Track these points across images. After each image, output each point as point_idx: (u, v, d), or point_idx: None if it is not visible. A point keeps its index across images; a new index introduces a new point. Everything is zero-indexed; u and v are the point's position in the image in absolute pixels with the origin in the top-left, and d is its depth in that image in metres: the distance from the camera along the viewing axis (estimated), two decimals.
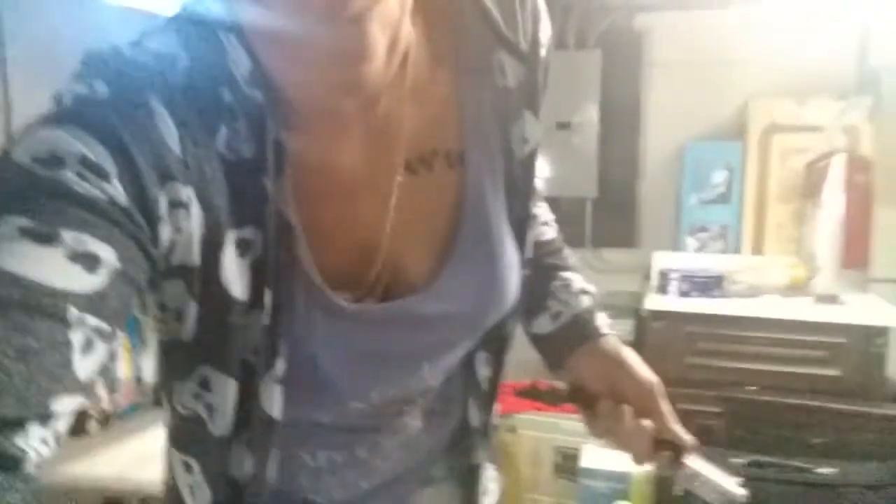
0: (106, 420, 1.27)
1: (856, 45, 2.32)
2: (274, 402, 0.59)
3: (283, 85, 0.56)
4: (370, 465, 0.73)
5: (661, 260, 2.31)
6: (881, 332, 1.97)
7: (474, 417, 0.79)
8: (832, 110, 2.28)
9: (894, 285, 2.32)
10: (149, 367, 1.36)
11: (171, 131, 0.51)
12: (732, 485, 0.74)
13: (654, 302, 2.11)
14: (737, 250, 2.38)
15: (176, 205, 0.52)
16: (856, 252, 2.19)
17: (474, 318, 0.67)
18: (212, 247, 0.54)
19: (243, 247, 0.55)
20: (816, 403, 1.93)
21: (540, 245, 0.84)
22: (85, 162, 0.47)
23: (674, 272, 2.15)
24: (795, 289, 2.19)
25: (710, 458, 0.76)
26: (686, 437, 0.75)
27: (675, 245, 2.43)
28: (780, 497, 1.79)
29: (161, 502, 0.72)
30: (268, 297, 0.55)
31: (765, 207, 2.36)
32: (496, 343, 0.75)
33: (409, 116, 0.61)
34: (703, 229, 2.42)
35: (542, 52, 0.67)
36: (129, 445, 1.21)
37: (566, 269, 0.86)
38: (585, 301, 0.84)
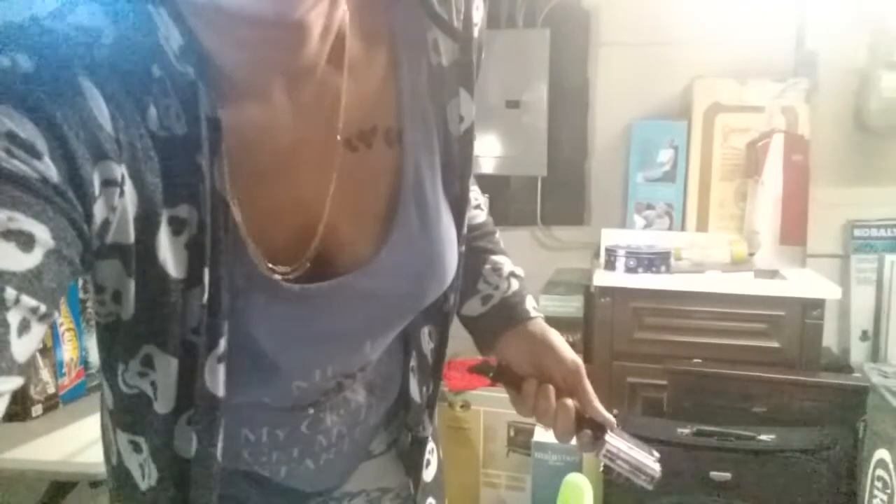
0: (52, 404, 1.23)
1: (794, 30, 2.39)
2: (218, 380, 0.58)
3: (216, 62, 0.54)
4: (313, 441, 0.73)
5: (609, 237, 2.35)
6: (817, 304, 2.05)
7: (415, 391, 0.80)
8: (772, 91, 2.35)
9: (830, 260, 2.42)
10: (94, 349, 1.32)
11: (101, 108, 0.49)
12: (650, 462, 0.81)
13: (601, 278, 2.15)
14: (682, 227, 2.44)
15: (109, 183, 0.50)
16: (794, 229, 2.27)
17: (415, 294, 0.68)
18: (147, 225, 0.53)
19: (178, 225, 0.54)
20: (757, 374, 2.00)
21: (471, 228, 0.86)
22: (14, 139, 0.45)
23: (621, 249, 2.19)
24: (737, 264, 2.26)
25: (629, 436, 0.83)
26: (607, 416, 0.81)
27: (623, 222, 2.48)
28: (725, 463, 1.86)
29: (109, 485, 0.70)
30: (206, 276, 0.55)
31: (708, 185, 2.42)
32: (439, 317, 0.76)
33: (347, 94, 0.61)
34: (650, 207, 2.47)
35: (476, 31, 0.68)
36: (76, 429, 1.17)
37: (496, 252, 0.88)
38: (514, 284, 0.86)
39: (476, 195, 0.89)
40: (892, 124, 2.27)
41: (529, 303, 0.85)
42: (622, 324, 2.16)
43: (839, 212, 2.42)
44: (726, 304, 2.10)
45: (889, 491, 1.68)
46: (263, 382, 0.64)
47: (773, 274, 2.24)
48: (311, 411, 0.71)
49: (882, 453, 1.72)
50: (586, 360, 2.47)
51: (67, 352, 1.27)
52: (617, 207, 2.54)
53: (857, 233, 2.40)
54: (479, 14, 0.68)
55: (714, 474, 1.86)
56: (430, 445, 0.86)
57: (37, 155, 0.46)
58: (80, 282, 1.28)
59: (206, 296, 0.55)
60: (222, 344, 0.57)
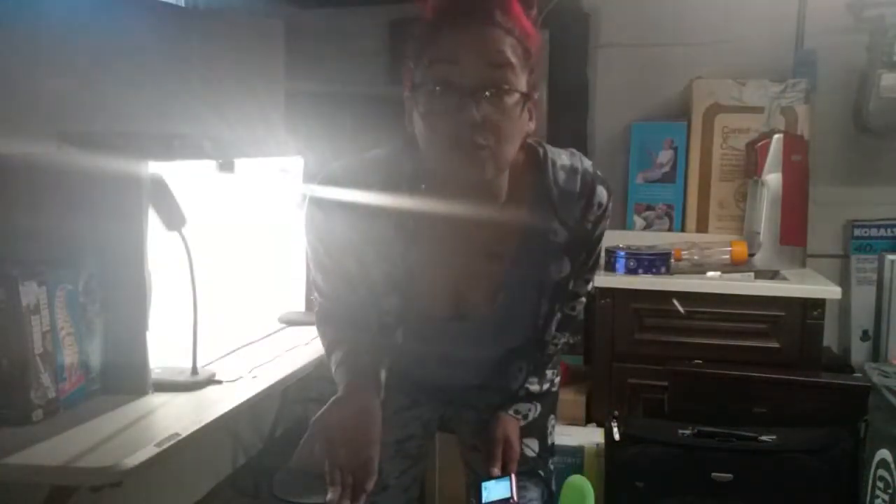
0: (52, 409, 1.22)
1: (794, 30, 2.39)
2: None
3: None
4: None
5: (609, 238, 2.34)
6: (817, 304, 2.05)
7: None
8: (771, 91, 2.35)
9: (830, 260, 2.42)
10: (95, 353, 1.32)
11: None
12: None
13: (601, 279, 2.15)
14: (682, 228, 2.43)
15: None
16: (794, 229, 2.27)
17: None
18: None
19: None
20: (758, 374, 2.00)
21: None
22: None
23: (621, 250, 2.19)
24: (737, 265, 2.26)
25: None
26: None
27: (623, 223, 2.48)
28: (727, 464, 1.86)
29: None
30: None
31: (708, 186, 2.42)
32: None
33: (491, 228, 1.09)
34: (650, 208, 2.47)
35: (588, 226, 1.12)
36: (76, 434, 1.17)
37: None
38: None
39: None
40: (892, 124, 2.27)
41: None
42: (623, 325, 2.15)
43: (839, 212, 2.42)
44: (726, 304, 2.09)
45: (891, 491, 1.68)
46: None
47: (774, 274, 2.24)
48: None
49: (883, 453, 1.72)
50: (587, 361, 2.47)
51: (68, 356, 1.26)
52: (617, 208, 2.52)
53: (857, 233, 2.40)
54: (593, 216, 1.11)
55: (715, 475, 1.86)
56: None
57: None
58: (81, 284, 1.28)
59: None
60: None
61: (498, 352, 1.22)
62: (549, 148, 1.12)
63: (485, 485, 1.15)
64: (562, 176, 1.09)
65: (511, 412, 1.25)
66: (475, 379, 1.27)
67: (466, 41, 0.93)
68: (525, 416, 1.27)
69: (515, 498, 1.14)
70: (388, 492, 1.27)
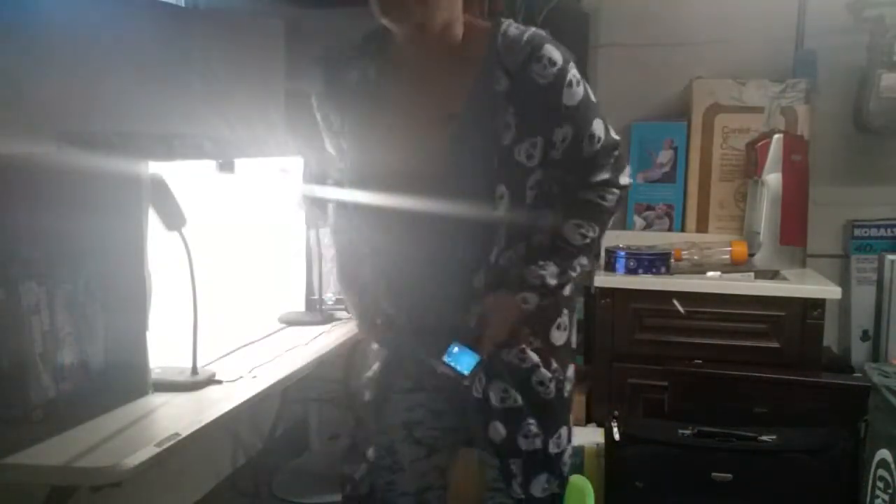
0: (52, 408, 1.22)
1: (794, 30, 2.39)
2: None
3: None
4: None
5: (609, 238, 2.35)
6: (817, 304, 2.05)
7: None
8: (771, 91, 2.35)
9: (830, 260, 2.42)
10: (95, 353, 1.32)
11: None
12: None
13: (602, 279, 2.15)
14: (682, 228, 2.43)
15: None
16: (794, 229, 2.27)
17: None
18: None
19: None
20: (758, 374, 2.00)
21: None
22: None
23: (621, 250, 2.19)
24: (737, 265, 2.26)
25: None
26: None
27: (623, 223, 2.48)
28: (727, 464, 1.86)
29: None
30: None
31: (708, 186, 2.42)
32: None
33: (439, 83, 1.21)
34: (650, 208, 2.47)
35: (539, 80, 1.16)
36: (76, 433, 1.17)
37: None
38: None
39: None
40: (892, 124, 2.27)
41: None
42: (623, 325, 2.15)
43: (839, 212, 2.42)
44: (726, 304, 2.09)
45: (891, 491, 1.68)
46: None
47: (774, 274, 2.24)
48: None
49: (884, 453, 1.71)
50: (587, 361, 2.47)
51: (68, 356, 1.26)
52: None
53: (857, 233, 2.40)
54: (540, 67, 1.15)
55: (715, 475, 1.86)
56: None
57: None
58: (81, 284, 1.28)
59: None
60: None
61: (458, 229, 1.19)
62: (511, 21, 1.21)
63: (454, 347, 1.17)
64: (512, 30, 1.18)
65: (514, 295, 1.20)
66: (450, 280, 1.22)
67: None
68: (525, 301, 1.21)
69: (467, 381, 1.18)
70: (403, 474, 1.32)
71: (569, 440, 1.31)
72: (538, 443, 1.25)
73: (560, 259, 1.23)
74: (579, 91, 1.19)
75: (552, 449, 1.26)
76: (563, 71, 1.17)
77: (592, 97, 1.24)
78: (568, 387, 1.30)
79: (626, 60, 2.49)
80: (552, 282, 1.22)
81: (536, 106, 1.17)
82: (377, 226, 1.25)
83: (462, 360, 1.17)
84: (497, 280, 1.21)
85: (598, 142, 1.23)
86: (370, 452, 1.33)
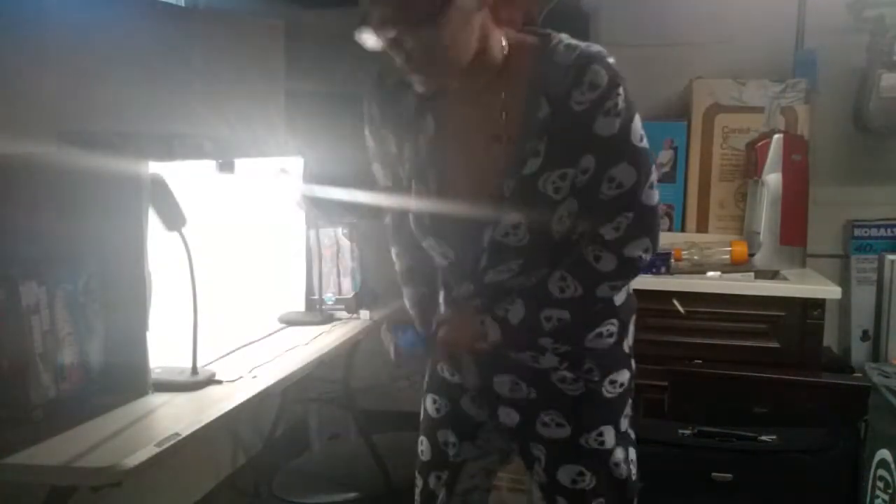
0: (52, 408, 1.22)
1: (794, 30, 2.39)
2: None
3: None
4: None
5: None
6: (818, 304, 2.05)
7: None
8: (771, 91, 2.35)
9: (830, 260, 2.42)
10: (95, 353, 1.32)
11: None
12: None
13: None
14: (682, 228, 2.43)
15: None
16: (794, 229, 2.27)
17: None
18: None
19: None
20: (758, 374, 2.00)
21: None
22: None
23: None
24: (737, 265, 2.26)
25: None
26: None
27: None
28: (727, 464, 1.86)
29: None
30: None
31: (708, 186, 2.42)
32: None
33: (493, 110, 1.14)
34: None
35: (575, 107, 1.06)
36: (76, 433, 1.17)
37: None
38: None
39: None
40: (892, 124, 2.27)
41: None
42: None
43: (839, 212, 2.42)
44: (726, 304, 2.09)
45: (891, 491, 1.68)
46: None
47: (774, 274, 2.24)
48: None
49: (884, 453, 1.71)
50: None
51: (68, 356, 1.26)
52: None
53: (857, 233, 2.40)
54: (578, 96, 1.05)
55: (715, 475, 1.86)
56: None
57: None
58: (81, 284, 1.28)
59: None
60: None
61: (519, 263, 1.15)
62: (565, 36, 1.11)
63: (406, 330, 1.25)
64: (560, 51, 1.08)
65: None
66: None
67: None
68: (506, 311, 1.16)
69: (393, 362, 1.26)
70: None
71: (617, 442, 1.23)
72: (562, 433, 1.22)
73: (534, 302, 1.14)
74: (615, 123, 1.06)
75: (588, 444, 1.22)
76: (603, 97, 1.04)
77: (635, 139, 1.09)
78: (610, 388, 1.23)
79: (625, 60, 2.46)
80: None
81: (568, 135, 1.07)
82: (440, 249, 1.22)
83: (407, 339, 1.25)
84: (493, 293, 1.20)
85: (618, 188, 1.08)
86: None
